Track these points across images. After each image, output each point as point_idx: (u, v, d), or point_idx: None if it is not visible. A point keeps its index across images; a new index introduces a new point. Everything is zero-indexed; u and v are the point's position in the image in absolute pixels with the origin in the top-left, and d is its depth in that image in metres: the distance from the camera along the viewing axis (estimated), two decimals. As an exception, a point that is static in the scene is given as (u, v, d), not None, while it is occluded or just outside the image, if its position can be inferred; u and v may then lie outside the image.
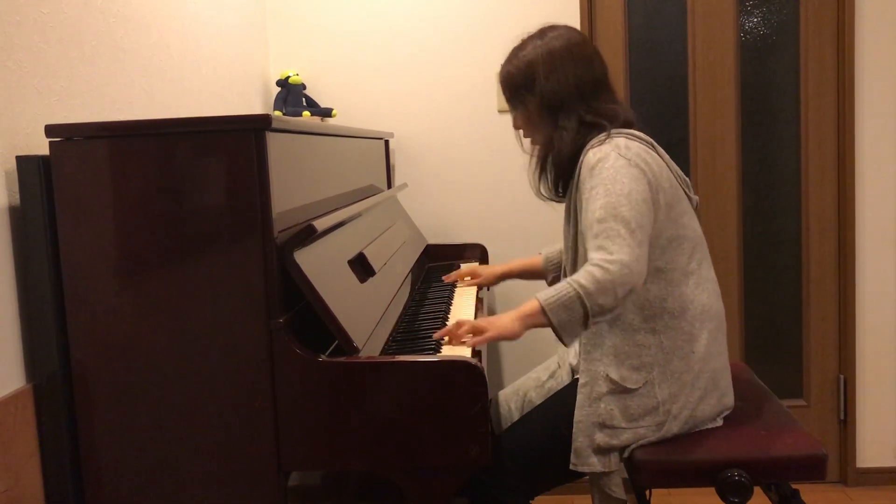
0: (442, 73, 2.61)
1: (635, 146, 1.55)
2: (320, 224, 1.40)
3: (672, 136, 2.64)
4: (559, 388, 1.75)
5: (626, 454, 1.56)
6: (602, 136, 1.58)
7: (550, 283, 2.02)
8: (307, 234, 1.36)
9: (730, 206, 2.65)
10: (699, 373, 1.56)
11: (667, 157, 1.62)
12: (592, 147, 1.57)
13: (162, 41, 1.84)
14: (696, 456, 1.52)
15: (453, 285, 2.13)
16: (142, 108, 1.72)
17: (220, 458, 1.33)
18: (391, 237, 2.05)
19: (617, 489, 1.55)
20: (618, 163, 1.51)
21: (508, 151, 2.61)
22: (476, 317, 1.80)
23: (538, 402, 1.76)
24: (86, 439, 1.34)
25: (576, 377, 1.71)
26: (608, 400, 1.54)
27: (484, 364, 1.43)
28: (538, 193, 1.74)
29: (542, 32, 1.68)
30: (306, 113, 2.44)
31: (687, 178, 1.65)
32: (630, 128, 1.62)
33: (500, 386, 2.62)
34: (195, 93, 2.01)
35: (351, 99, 2.63)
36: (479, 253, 2.55)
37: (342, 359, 1.32)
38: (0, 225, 1.26)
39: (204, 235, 1.29)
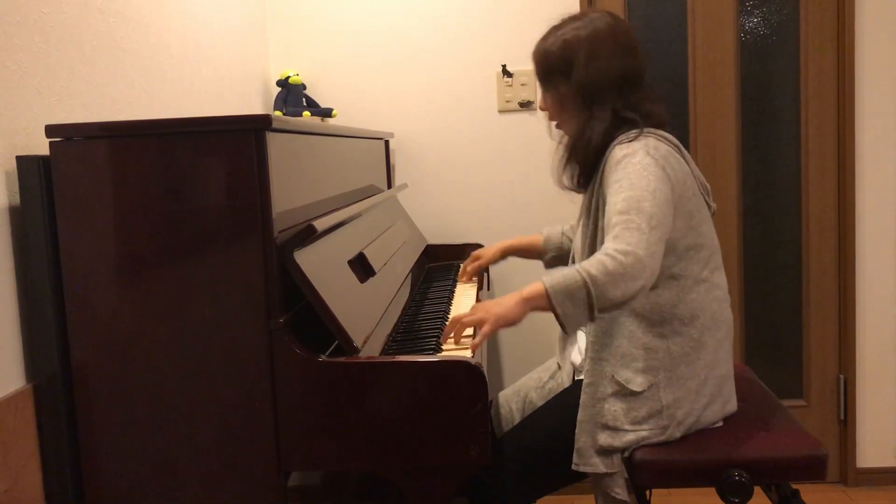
0: (442, 73, 2.61)
1: (664, 148, 1.52)
2: (320, 224, 1.40)
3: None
4: (560, 389, 1.75)
5: (626, 454, 1.55)
6: (632, 133, 1.54)
7: (547, 264, 2.01)
8: (307, 234, 1.36)
9: (730, 206, 2.65)
10: (705, 380, 1.56)
11: (692, 162, 1.59)
12: (621, 143, 1.53)
13: (162, 41, 1.84)
14: (697, 456, 1.52)
15: (453, 285, 2.12)
16: (142, 108, 1.72)
17: (220, 458, 1.33)
18: (391, 237, 2.05)
19: (620, 491, 1.54)
20: (645, 160, 1.48)
21: (508, 151, 2.62)
22: None
23: (539, 404, 1.75)
24: (86, 439, 1.34)
25: (577, 378, 1.71)
26: (612, 401, 1.54)
27: (484, 364, 1.43)
28: (559, 183, 1.68)
29: (584, 13, 1.62)
30: (306, 113, 2.44)
31: (708, 186, 1.62)
32: (662, 128, 1.58)
33: (500, 387, 2.62)
34: (195, 93, 2.01)
35: (351, 99, 2.63)
36: (479, 253, 2.55)
37: (342, 359, 1.32)
38: (0, 225, 1.26)
39: (204, 235, 1.29)
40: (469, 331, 1.52)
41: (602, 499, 1.56)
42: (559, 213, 2.59)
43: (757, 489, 1.51)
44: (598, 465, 1.54)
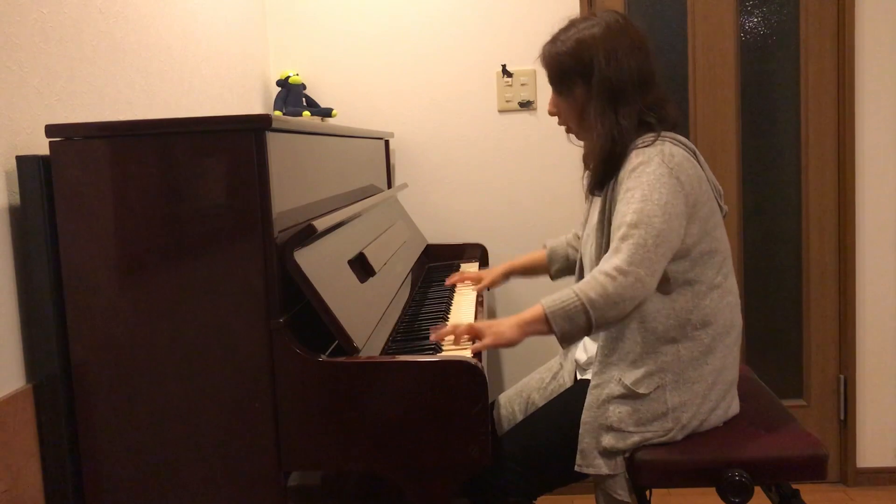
0: (442, 73, 2.61)
1: (679, 154, 1.49)
2: (320, 224, 1.40)
3: (672, 136, 2.64)
4: (562, 389, 1.75)
5: (627, 454, 1.55)
6: (649, 137, 1.51)
7: (554, 277, 2.00)
8: (307, 234, 1.36)
9: (730, 206, 2.65)
10: (713, 384, 1.55)
11: (706, 167, 1.57)
12: (637, 147, 1.50)
13: (162, 41, 1.84)
14: (697, 456, 1.52)
15: (453, 285, 2.12)
16: (142, 108, 1.72)
17: (220, 458, 1.33)
18: (391, 237, 2.05)
19: (622, 492, 1.54)
20: (660, 170, 1.45)
21: (508, 151, 2.62)
22: (476, 318, 1.79)
23: (541, 404, 1.75)
24: (86, 439, 1.34)
25: (579, 379, 1.71)
26: (618, 403, 1.53)
27: (484, 364, 1.43)
28: (591, 192, 1.64)
29: (591, 14, 1.57)
30: (306, 113, 2.44)
31: (720, 189, 1.60)
32: (675, 130, 1.56)
33: (501, 387, 2.62)
34: (195, 93, 2.01)
35: (351, 99, 2.63)
36: (479, 253, 2.55)
37: (342, 359, 1.32)
38: (0, 225, 1.26)
39: (204, 235, 1.29)
40: (467, 336, 1.53)
41: (603, 499, 1.56)
42: (559, 212, 2.59)
43: (757, 489, 1.51)
44: (601, 466, 1.53)
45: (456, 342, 1.50)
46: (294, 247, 1.32)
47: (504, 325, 1.46)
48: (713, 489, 1.51)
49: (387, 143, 2.57)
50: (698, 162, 1.55)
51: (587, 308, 1.39)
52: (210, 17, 2.14)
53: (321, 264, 1.41)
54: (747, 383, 1.82)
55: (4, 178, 1.27)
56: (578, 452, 1.54)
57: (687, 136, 2.60)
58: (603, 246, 1.56)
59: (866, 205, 2.58)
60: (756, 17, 2.62)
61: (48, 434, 1.32)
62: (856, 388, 2.64)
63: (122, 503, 1.35)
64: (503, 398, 1.87)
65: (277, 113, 2.45)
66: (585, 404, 1.55)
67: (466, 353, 1.43)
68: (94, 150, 1.29)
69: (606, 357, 1.55)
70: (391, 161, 2.62)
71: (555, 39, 1.58)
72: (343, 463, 1.33)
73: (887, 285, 2.60)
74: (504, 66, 2.58)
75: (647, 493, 1.86)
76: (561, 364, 1.81)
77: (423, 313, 1.84)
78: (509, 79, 2.58)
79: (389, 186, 2.59)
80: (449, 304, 1.93)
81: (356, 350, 1.34)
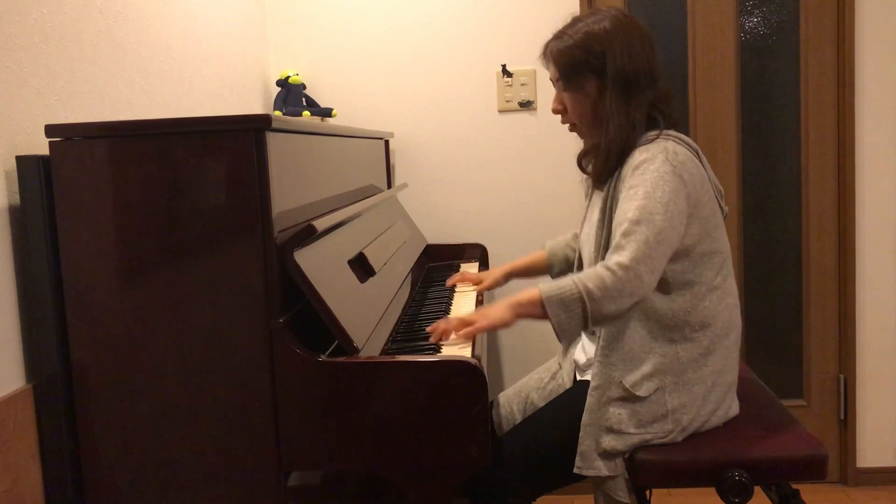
0: (442, 73, 2.61)
1: (682, 152, 1.49)
2: (320, 224, 1.40)
3: (672, 136, 2.64)
4: (561, 389, 1.75)
5: (627, 455, 1.55)
6: (652, 134, 1.52)
7: (555, 277, 2.00)
8: (307, 234, 1.36)
9: (730, 205, 2.65)
10: (712, 386, 1.55)
11: (708, 166, 1.57)
12: (641, 144, 1.50)
13: (162, 41, 1.84)
14: (697, 456, 1.52)
15: (453, 285, 2.12)
16: (142, 108, 1.72)
17: (220, 458, 1.33)
18: (391, 237, 2.05)
19: (622, 493, 1.54)
20: (663, 167, 1.45)
21: (508, 151, 2.61)
22: None
23: (540, 404, 1.75)
24: (86, 439, 1.34)
25: (579, 379, 1.71)
26: (618, 405, 1.53)
27: (484, 365, 1.43)
28: (593, 188, 1.64)
29: (595, 10, 1.57)
30: (306, 113, 2.44)
31: (721, 189, 1.60)
32: (676, 129, 1.56)
33: (501, 387, 2.62)
34: (195, 93, 2.01)
35: (351, 99, 2.63)
36: (479, 253, 2.55)
37: (342, 359, 1.32)
38: (0, 225, 1.26)
39: (204, 235, 1.29)
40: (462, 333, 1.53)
41: (603, 500, 1.56)
42: (559, 212, 2.59)
43: (757, 489, 1.51)
44: (601, 468, 1.53)
45: (446, 335, 1.50)
46: (294, 247, 1.32)
47: (496, 307, 1.46)
48: (713, 489, 1.51)
49: (387, 143, 2.57)
50: (701, 161, 1.54)
51: (584, 298, 1.38)
52: (210, 17, 2.14)
53: (321, 264, 1.41)
54: (747, 383, 1.82)
55: (4, 178, 1.27)
56: (578, 454, 1.54)
57: (686, 136, 2.62)
58: (602, 242, 1.56)
59: (866, 205, 2.58)
60: (756, 17, 2.62)
61: (48, 434, 1.32)
62: (856, 388, 2.64)
63: (122, 503, 1.35)
64: (502, 397, 1.87)
65: (277, 113, 2.45)
66: (585, 406, 1.55)
67: (466, 353, 1.43)
68: (94, 150, 1.29)
69: (606, 358, 1.55)
70: (391, 161, 2.62)
71: (561, 34, 1.57)
72: (343, 463, 1.33)
73: (887, 285, 2.60)
74: (504, 66, 2.58)
75: (648, 493, 1.86)
76: (560, 364, 1.81)
77: (423, 313, 1.84)
78: (509, 79, 2.58)
79: (389, 186, 2.59)
80: (449, 304, 1.93)
81: (356, 350, 1.34)
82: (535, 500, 1.65)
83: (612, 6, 1.62)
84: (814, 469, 1.51)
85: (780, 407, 1.73)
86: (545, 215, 2.61)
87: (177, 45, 1.92)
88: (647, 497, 1.86)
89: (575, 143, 1.72)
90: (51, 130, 1.29)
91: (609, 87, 1.52)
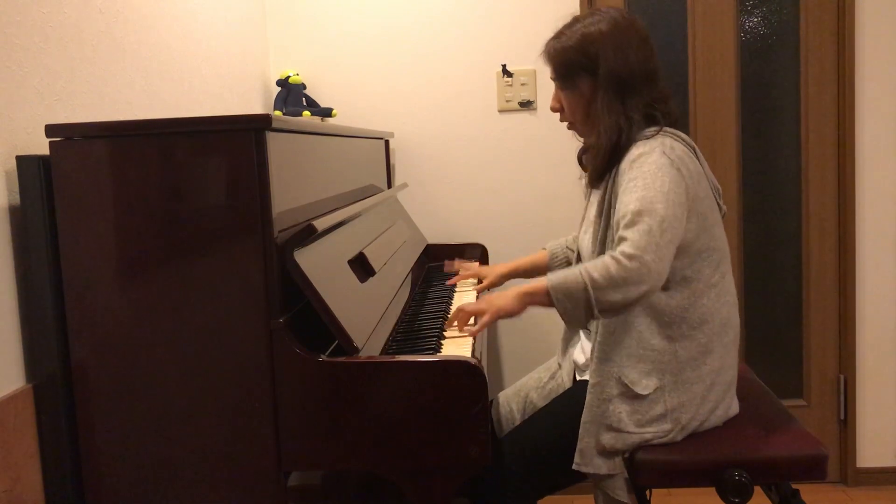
0: (442, 73, 2.61)
1: (679, 148, 1.50)
2: (320, 224, 1.40)
3: (672, 136, 2.64)
4: (560, 389, 1.75)
5: (626, 455, 1.55)
6: (650, 130, 1.53)
7: None
8: (307, 234, 1.36)
9: (730, 205, 2.65)
10: (711, 385, 1.55)
11: (706, 164, 1.57)
12: (638, 141, 1.51)
13: (162, 41, 1.84)
14: (697, 456, 1.52)
15: (453, 285, 2.12)
16: (142, 108, 1.72)
17: (220, 458, 1.33)
18: (391, 237, 2.05)
19: (621, 493, 1.54)
20: (661, 160, 1.46)
21: (508, 151, 2.62)
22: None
23: (540, 404, 1.75)
24: (86, 439, 1.34)
25: (579, 379, 1.71)
26: (617, 402, 1.53)
27: (484, 364, 1.44)
28: (591, 185, 1.64)
29: (594, 10, 1.59)
30: (306, 113, 2.44)
31: (719, 187, 1.60)
32: (674, 127, 1.57)
33: (501, 386, 2.62)
34: (195, 93, 2.01)
35: (351, 99, 2.63)
36: (479, 253, 2.56)
37: (342, 359, 1.32)
38: (0, 225, 1.26)
39: (204, 235, 1.29)
40: (472, 320, 1.56)
41: (602, 499, 1.56)
42: (559, 212, 2.59)
43: (757, 489, 1.51)
44: (599, 466, 1.53)
45: (459, 328, 1.53)
46: (294, 247, 1.32)
47: (504, 297, 1.48)
48: (713, 489, 1.51)
49: (387, 142, 2.57)
50: (698, 159, 1.55)
51: (588, 286, 1.38)
52: (210, 17, 2.14)
53: (321, 264, 1.41)
54: (747, 383, 1.82)
55: (4, 178, 1.27)
56: (578, 451, 1.54)
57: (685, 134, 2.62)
58: (600, 238, 1.57)
59: (866, 204, 2.58)
60: (756, 17, 2.62)
61: (48, 434, 1.32)
62: (856, 388, 2.64)
63: (122, 503, 1.35)
64: (502, 397, 1.87)
65: (277, 113, 2.45)
66: (586, 404, 1.55)
67: (466, 353, 1.43)
68: (94, 150, 1.29)
69: (604, 354, 1.55)
70: (391, 161, 2.62)
71: (559, 35, 1.59)
72: (343, 463, 1.33)
73: (887, 285, 2.60)
74: (504, 66, 2.58)
75: (647, 493, 1.86)
76: (559, 364, 1.81)
77: (423, 313, 1.84)
78: (509, 79, 2.58)
79: (389, 186, 2.59)
80: (449, 303, 1.93)
81: (356, 350, 1.34)
82: (535, 501, 1.66)
83: (612, 7, 1.62)
84: (814, 469, 1.51)
85: (780, 407, 1.73)
86: (545, 215, 2.61)
87: (177, 45, 1.92)
88: (647, 497, 1.86)
89: (575, 143, 1.73)
90: (51, 130, 1.29)
91: (602, 87, 1.54)
